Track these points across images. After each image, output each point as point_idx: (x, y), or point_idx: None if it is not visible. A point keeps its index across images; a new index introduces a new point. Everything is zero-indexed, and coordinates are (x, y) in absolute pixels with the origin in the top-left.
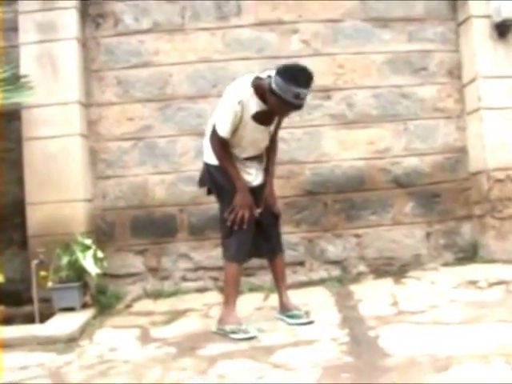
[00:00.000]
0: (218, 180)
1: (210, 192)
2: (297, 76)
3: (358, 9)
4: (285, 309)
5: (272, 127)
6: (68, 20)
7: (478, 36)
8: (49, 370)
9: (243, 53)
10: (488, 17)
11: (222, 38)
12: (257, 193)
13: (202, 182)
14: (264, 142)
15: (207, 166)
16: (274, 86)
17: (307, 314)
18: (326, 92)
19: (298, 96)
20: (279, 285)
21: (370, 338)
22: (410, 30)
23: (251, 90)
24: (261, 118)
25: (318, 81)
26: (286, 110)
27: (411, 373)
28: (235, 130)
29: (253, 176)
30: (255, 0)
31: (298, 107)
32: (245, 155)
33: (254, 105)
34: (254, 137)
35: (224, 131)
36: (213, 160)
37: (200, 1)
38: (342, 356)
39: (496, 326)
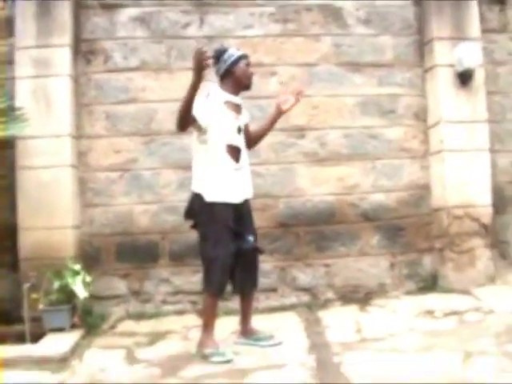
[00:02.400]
0: (199, 216)
1: (194, 226)
2: (226, 49)
3: (332, 54)
4: (251, 333)
5: (241, 120)
6: (62, 57)
7: (442, 83)
8: None
9: None
10: (452, 66)
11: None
12: (241, 214)
13: (188, 215)
14: (236, 132)
15: (194, 196)
16: (226, 63)
17: (272, 336)
18: (301, 131)
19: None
20: (248, 313)
21: (334, 364)
22: (380, 75)
23: (216, 86)
24: (230, 106)
25: (293, 121)
26: (245, 64)
27: None
28: (215, 117)
29: (238, 187)
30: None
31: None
32: (228, 141)
33: (224, 95)
34: (230, 121)
35: (197, 111)
36: (199, 189)
37: (185, 42)
38: (310, 379)
39: (446, 354)
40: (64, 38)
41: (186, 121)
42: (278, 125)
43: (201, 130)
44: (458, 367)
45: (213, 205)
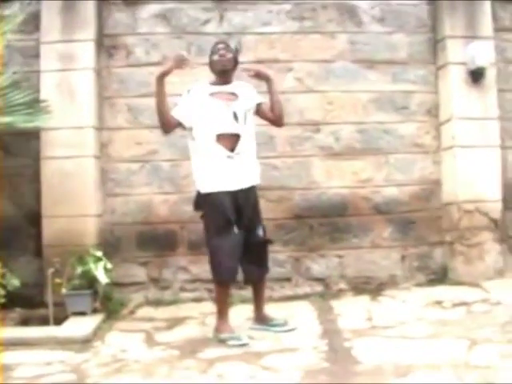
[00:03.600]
0: (202, 207)
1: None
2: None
3: (348, 51)
4: (266, 320)
5: (237, 106)
6: (85, 51)
7: (454, 80)
8: (70, 366)
9: None
10: (464, 64)
11: None
12: (242, 203)
13: (195, 207)
14: (230, 119)
15: (197, 192)
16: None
17: (285, 322)
18: (316, 126)
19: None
20: (260, 300)
21: (345, 348)
22: (394, 72)
23: (205, 82)
24: (220, 96)
25: (310, 115)
26: (216, 50)
27: (376, 377)
28: (198, 112)
29: (233, 174)
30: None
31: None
32: (217, 131)
33: (210, 88)
34: (218, 111)
35: (178, 113)
36: (199, 186)
37: (204, 38)
38: (321, 362)
39: (452, 341)
40: (88, 33)
41: (166, 124)
42: (294, 119)
43: (186, 129)
44: (463, 353)
45: (208, 195)
